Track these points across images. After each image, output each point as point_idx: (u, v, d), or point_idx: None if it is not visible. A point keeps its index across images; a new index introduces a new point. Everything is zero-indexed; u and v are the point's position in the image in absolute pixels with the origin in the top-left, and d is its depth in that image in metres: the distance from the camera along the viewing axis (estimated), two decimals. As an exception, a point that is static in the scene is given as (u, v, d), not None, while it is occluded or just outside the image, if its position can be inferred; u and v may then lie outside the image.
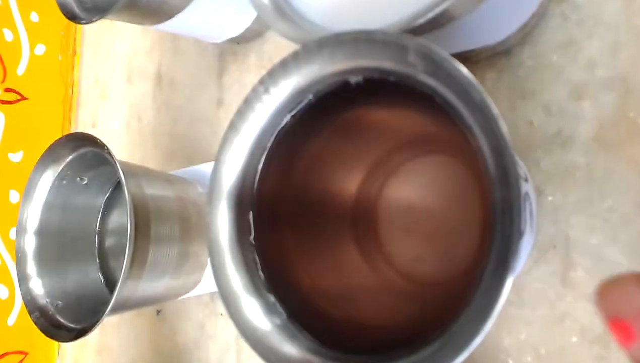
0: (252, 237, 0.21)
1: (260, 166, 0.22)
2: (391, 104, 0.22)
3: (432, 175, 0.25)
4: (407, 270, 0.24)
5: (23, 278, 0.31)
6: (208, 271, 0.33)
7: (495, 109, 0.15)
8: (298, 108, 0.22)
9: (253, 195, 0.22)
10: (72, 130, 0.52)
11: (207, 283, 0.34)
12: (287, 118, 0.22)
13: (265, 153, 0.22)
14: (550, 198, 0.26)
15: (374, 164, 0.25)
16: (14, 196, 0.49)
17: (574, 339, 0.25)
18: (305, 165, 0.23)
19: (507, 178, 0.15)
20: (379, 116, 0.23)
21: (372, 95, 0.21)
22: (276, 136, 0.22)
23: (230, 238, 0.21)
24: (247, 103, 0.22)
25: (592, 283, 0.25)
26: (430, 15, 0.20)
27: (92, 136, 0.30)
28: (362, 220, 0.25)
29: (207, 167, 0.37)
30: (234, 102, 0.40)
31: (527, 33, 0.26)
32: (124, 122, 0.47)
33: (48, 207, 0.34)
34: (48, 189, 0.34)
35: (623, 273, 0.16)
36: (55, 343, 0.47)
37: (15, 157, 0.50)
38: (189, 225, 0.32)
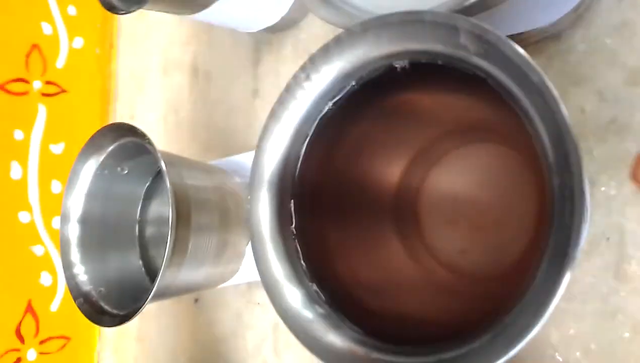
0: (293, 226, 0.21)
1: (301, 154, 0.22)
2: (437, 89, 0.22)
3: (479, 164, 0.24)
4: (451, 262, 0.24)
5: (67, 265, 0.32)
6: (246, 260, 0.33)
7: (555, 91, 0.14)
8: (340, 95, 0.21)
9: (294, 183, 0.22)
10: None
11: (244, 272, 0.34)
12: (329, 105, 0.21)
13: (307, 141, 0.22)
14: (603, 188, 0.24)
15: (418, 152, 0.24)
16: (56, 186, 0.50)
17: (626, 335, 0.24)
18: (346, 153, 0.23)
19: (569, 163, 0.14)
20: (424, 102, 0.23)
21: (418, 80, 0.20)
22: (317, 124, 0.22)
23: (272, 227, 0.21)
24: (288, 90, 0.21)
25: (647, 278, 0.24)
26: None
27: (133, 126, 0.30)
28: (404, 210, 0.25)
29: (244, 158, 0.37)
30: (269, 92, 0.39)
31: (579, 15, 0.25)
32: (161, 115, 0.47)
33: (90, 196, 0.34)
34: (90, 179, 0.34)
35: None
36: (97, 329, 0.49)
37: (57, 148, 0.51)
38: (228, 214, 0.32)
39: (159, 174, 0.36)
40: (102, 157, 0.34)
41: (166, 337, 0.42)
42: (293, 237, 0.21)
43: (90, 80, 0.54)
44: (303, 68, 0.21)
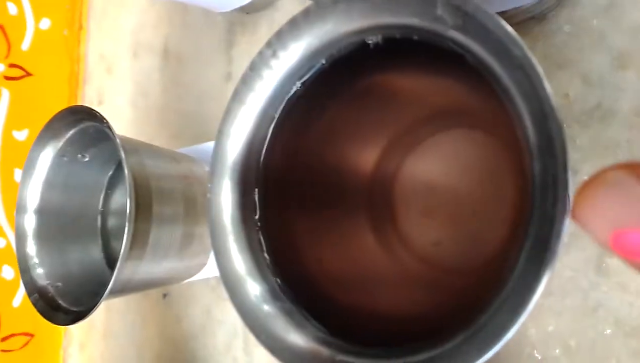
0: (257, 216, 0.20)
1: (267, 139, 0.20)
2: (413, 69, 0.20)
3: (457, 152, 0.23)
4: (426, 255, 0.22)
5: (23, 258, 0.30)
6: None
7: (539, 67, 0.13)
8: (309, 74, 0.20)
9: (259, 170, 0.20)
10: (78, 108, 0.50)
11: (213, 266, 0.32)
12: (297, 86, 0.20)
13: (273, 124, 0.20)
14: (586, 178, 0.23)
15: (394, 138, 0.23)
16: (20, 175, 0.48)
17: (608, 331, 0.23)
18: (317, 137, 0.21)
19: (552, 147, 0.13)
20: (399, 84, 0.21)
21: (392, 59, 0.19)
22: (285, 106, 0.20)
23: (234, 217, 0.19)
24: (253, 69, 0.20)
25: (630, 272, 0.23)
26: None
27: (91, 109, 0.28)
28: (378, 200, 0.23)
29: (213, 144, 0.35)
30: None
31: (564, -6, 0.24)
32: (130, 99, 0.45)
33: (49, 185, 0.32)
34: (48, 166, 0.32)
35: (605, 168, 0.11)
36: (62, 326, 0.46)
37: (21, 135, 0.49)
38: (195, 205, 0.31)
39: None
40: (60, 143, 0.31)
41: (134, 333, 0.40)
42: (257, 228, 0.20)
43: (58, 63, 0.52)
44: (269, 44, 0.19)
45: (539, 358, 0.24)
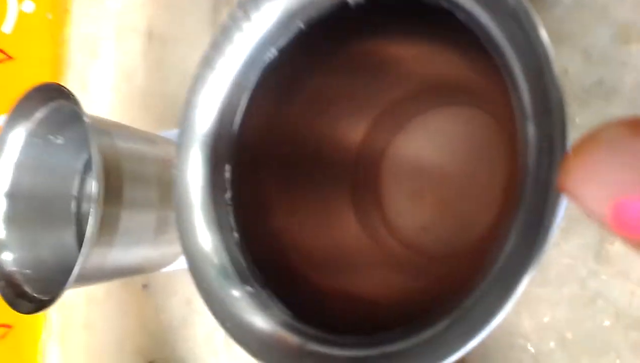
0: (228, 194, 0.18)
1: (240, 110, 0.19)
2: (401, 34, 0.18)
3: (447, 130, 0.21)
4: (411, 239, 0.21)
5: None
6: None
7: (534, 14, 0.11)
8: (286, 39, 0.18)
9: (232, 144, 0.19)
10: (60, 92, 0.48)
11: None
12: (273, 52, 0.18)
13: (248, 94, 0.19)
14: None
15: (382, 114, 0.21)
16: None
17: (607, 323, 0.22)
18: (297, 109, 0.20)
19: (548, 103, 0.11)
20: (386, 51, 0.19)
21: (376, 21, 0.17)
22: (261, 74, 0.18)
23: (203, 194, 0.18)
24: (224, 33, 0.18)
25: (631, 259, 0.21)
26: None
27: (60, 86, 0.26)
28: (362, 180, 0.22)
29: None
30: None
31: (564, -38, 0.22)
32: (114, 83, 0.43)
33: (20, 167, 0.31)
34: (20, 148, 0.30)
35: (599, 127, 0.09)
36: (41, 316, 0.45)
37: (0, 120, 0.47)
38: (171, 189, 0.29)
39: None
40: (30, 123, 0.30)
41: (113, 324, 0.39)
42: (227, 205, 0.18)
43: (41, 47, 0.50)
44: (241, 4, 0.18)
45: (532, 351, 0.23)
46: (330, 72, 0.20)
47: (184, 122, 0.19)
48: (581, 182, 0.09)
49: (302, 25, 0.18)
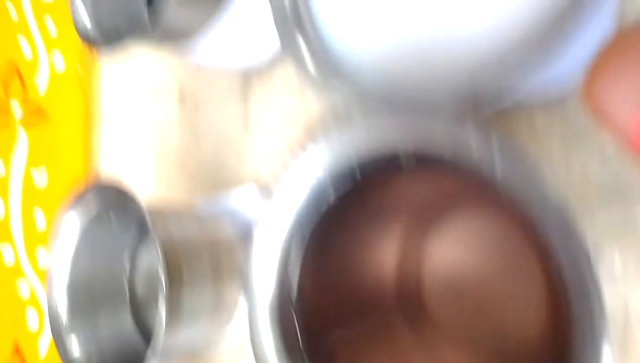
0: (301, 344, 0.20)
1: (299, 266, 0.20)
2: (434, 173, 0.20)
3: (475, 234, 0.23)
4: (460, 340, 0.22)
5: (57, 332, 0.30)
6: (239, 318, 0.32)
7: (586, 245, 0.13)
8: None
9: (295, 300, 0.20)
10: (95, 151, 0.51)
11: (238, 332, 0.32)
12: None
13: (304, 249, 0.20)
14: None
15: (409, 228, 0.23)
16: (40, 217, 0.48)
17: None
18: (338, 254, 0.21)
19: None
20: (413, 184, 0.21)
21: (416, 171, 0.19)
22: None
23: (278, 350, 0.19)
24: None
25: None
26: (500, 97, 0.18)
27: (121, 188, 0.28)
28: (408, 297, 0.23)
29: (233, 197, 0.36)
30: (259, 122, 0.38)
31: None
32: (148, 143, 0.45)
33: (77, 255, 0.32)
34: (76, 240, 0.32)
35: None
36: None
37: (39, 177, 0.50)
38: (220, 266, 0.31)
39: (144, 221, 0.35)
40: (88, 220, 0.32)
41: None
42: (301, 353, 0.20)
43: (73, 105, 0.52)
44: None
45: None
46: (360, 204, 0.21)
47: (248, 289, 0.20)
48: (605, 93, 0.08)
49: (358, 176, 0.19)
